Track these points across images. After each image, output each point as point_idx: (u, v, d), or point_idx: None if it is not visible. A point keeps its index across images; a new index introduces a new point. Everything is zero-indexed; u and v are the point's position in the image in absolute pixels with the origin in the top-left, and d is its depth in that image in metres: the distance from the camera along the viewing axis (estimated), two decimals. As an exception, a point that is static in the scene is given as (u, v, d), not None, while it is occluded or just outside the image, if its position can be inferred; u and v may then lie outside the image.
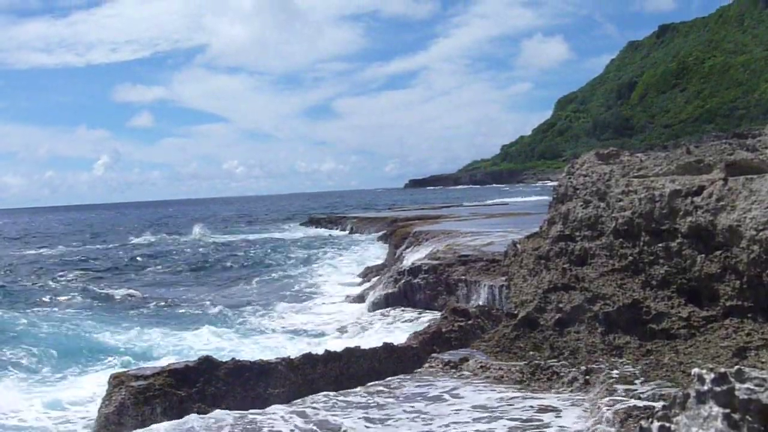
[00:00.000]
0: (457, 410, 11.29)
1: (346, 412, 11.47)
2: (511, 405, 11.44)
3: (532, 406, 11.32)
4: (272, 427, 10.74)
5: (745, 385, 2.17)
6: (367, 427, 10.68)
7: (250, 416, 11.30)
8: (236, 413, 12.02)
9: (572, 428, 10.19)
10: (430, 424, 10.71)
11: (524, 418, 10.72)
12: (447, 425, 10.47)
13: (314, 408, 11.86)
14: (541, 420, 10.73)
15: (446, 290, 21.27)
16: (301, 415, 11.28)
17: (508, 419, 10.58)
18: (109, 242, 71.58)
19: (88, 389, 15.33)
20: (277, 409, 11.75)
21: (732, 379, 2.19)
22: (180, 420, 11.73)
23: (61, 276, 39.41)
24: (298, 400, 12.34)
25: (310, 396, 12.76)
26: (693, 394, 2.20)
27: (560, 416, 10.82)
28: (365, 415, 11.18)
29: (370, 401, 12.22)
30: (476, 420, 10.61)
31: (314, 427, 10.72)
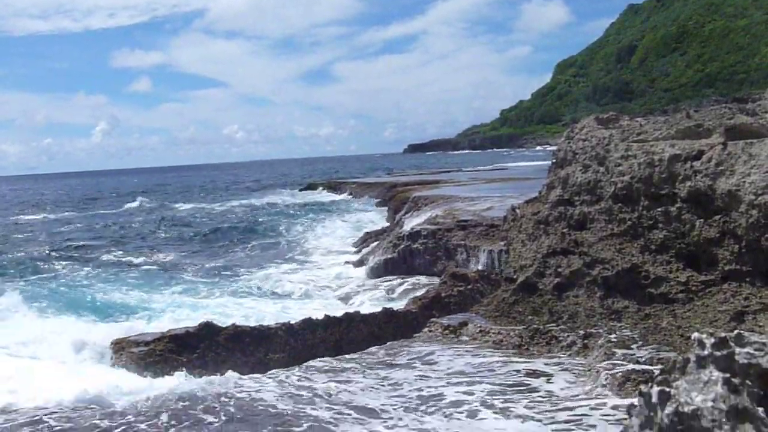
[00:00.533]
0: (446, 373, 11.41)
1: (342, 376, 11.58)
2: (501, 369, 11.55)
3: (518, 371, 11.46)
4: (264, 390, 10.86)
5: (745, 350, 2.18)
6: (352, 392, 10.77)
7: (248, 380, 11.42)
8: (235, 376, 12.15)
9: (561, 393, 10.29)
10: (426, 381, 10.83)
11: (509, 383, 10.86)
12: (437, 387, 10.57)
13: (309, 373, 11.97)
14: (530, 384, 10.84)
15: (445, 255, 21.29)
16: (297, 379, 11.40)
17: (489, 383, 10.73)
18: (107, 208, 71.40)
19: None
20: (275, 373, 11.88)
21: (732, 344, 2.20)
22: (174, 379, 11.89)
23: (57, 243, 39.39)
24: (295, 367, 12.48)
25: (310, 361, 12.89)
26: (693, 358, 2.21)
27: (551, 381, 10.93)
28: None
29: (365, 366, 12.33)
30: (458, 384, 10.76)
31: (304, 392, 10.82)
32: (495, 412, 9.58)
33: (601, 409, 9.46)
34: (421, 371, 11.76)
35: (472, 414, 9.60)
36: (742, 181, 11.47)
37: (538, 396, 10.22)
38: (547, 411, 9.58)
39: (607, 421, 8.92)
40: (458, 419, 9.45)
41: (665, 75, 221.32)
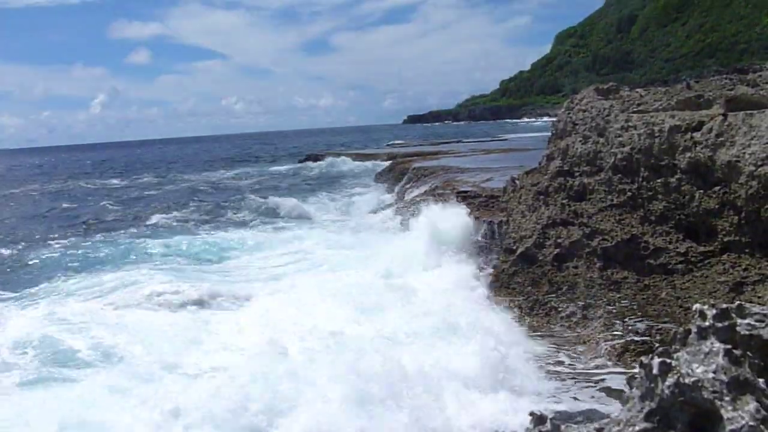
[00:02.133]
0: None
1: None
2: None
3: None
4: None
5: (747, 321, 2.18)
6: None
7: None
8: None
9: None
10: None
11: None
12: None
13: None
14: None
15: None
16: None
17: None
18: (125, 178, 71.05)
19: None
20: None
21: (733, 315, 2.20)
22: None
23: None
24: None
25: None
26: (694, 329, 2.21)
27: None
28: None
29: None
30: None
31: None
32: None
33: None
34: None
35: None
36: (742, 152, 11.45)
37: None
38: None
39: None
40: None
41: (666, 45, 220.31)
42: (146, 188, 54.92)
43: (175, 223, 30.85)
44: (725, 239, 11.83)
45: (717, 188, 11.99)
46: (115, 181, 67.32)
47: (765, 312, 2.26)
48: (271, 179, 55.13)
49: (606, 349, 10.84)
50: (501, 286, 14.33)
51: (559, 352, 11.52)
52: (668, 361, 2.21)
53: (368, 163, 50.35)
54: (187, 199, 41.35)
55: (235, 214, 32.86)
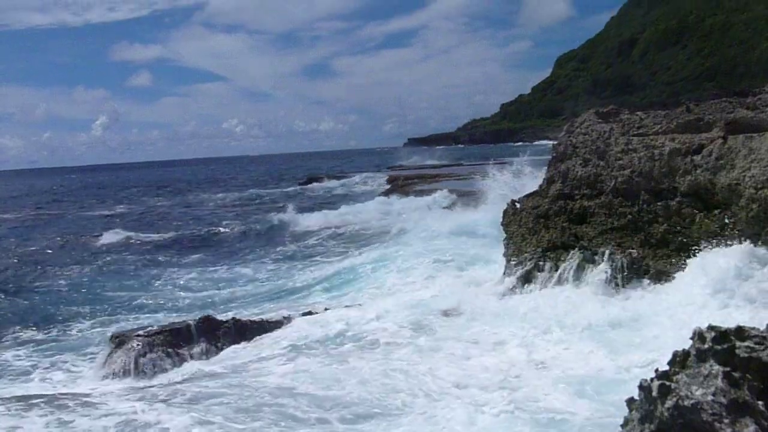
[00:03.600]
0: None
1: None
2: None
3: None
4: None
5: (746, 343, 2.18)
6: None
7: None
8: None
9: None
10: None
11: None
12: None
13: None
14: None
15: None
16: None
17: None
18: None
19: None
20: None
21: (732, 337, 2.20)
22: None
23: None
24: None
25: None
26: (693, 352, 2.21)
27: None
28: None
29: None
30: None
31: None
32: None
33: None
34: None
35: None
36: (743, 175, 11.48)
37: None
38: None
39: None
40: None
41: (666, 68, 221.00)
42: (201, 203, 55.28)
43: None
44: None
45: (717, 211, 12.01)
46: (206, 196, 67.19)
47: (764, 334, 2.26)
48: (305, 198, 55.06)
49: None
50: (502, 308, 14.29)
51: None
52: (667, 383, 2.21)
53: (372, 185, 50.60)
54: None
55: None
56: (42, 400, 10.51)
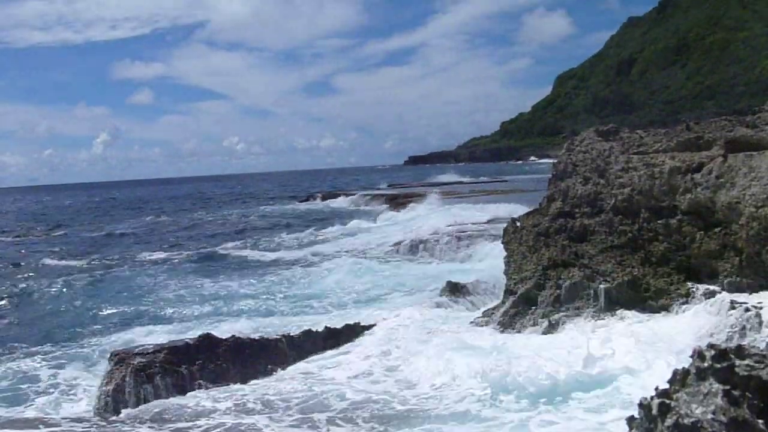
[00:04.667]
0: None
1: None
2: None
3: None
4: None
5: (745, 362, 2.18)
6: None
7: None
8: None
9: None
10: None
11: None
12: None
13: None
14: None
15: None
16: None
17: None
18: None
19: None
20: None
21: (732, 356, 2.20)
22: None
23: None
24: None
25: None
26: (693, 370, 2.21)
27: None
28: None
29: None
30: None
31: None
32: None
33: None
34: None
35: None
36: (743, 194, 11.49)
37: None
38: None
39: None
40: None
41: (665, 87, 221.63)
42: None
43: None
44: (726, 281, 11.82)
45: (718, 229, 12.02)
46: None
47: (764, 353, 2.26)
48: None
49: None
50: (502, 326, 14.25)
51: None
52: (667, 401, 2.21)
53: (371, 203, 50.67)
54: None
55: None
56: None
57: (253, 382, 12.58)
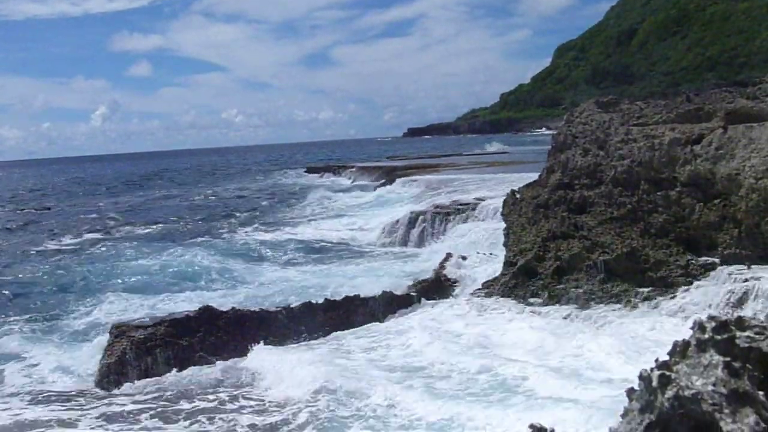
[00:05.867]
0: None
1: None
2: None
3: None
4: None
5: (746, 334, 2.18)
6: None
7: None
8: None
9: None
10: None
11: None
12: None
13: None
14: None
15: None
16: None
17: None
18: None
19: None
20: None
21: (733, 327, 2.20)
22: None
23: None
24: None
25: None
26: (693, 342, 2.21)
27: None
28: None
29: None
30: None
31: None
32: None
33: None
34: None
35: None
36: (742, 165, 11.47)
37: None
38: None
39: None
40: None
41: (665, 58, 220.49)
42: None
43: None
44: (725, 252, 11.84)
45: (717, 201, 12.01)
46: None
47: (764, 324, 2.26)
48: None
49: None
50: (501, 297, 14.28)
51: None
52: (668, 373, 2.21)
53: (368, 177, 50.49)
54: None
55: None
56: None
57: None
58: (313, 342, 13.50)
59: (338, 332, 13.95)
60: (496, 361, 10.77)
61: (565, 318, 12.64)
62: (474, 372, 10.46)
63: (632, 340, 11.05)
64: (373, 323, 14.37)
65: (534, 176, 16.44)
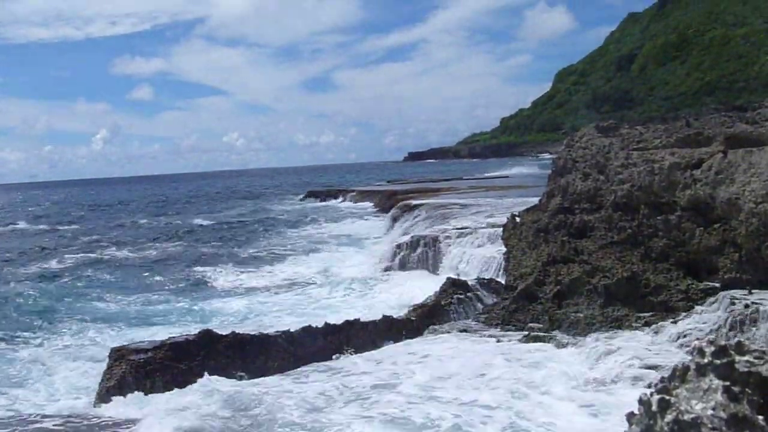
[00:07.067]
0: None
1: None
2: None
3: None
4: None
5: (745, 358, 2.18)
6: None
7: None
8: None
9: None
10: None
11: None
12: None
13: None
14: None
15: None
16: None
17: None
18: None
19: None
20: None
21: (732, 352, 2.20)
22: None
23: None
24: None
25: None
26: (693, 366, 2.21)
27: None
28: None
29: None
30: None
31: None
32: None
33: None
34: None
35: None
36: (742, 190, 11.49)
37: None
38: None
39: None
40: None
41: (665, 83, 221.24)
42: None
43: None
44: (726, 276, 11.83)
45: (717, 225, 12.02)
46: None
47: (764, 349, 2.26)
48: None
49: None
50: (501, 322, 14.26)
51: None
52: (667, 397, 2.21)
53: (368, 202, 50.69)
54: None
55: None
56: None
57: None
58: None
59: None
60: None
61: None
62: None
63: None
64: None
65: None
